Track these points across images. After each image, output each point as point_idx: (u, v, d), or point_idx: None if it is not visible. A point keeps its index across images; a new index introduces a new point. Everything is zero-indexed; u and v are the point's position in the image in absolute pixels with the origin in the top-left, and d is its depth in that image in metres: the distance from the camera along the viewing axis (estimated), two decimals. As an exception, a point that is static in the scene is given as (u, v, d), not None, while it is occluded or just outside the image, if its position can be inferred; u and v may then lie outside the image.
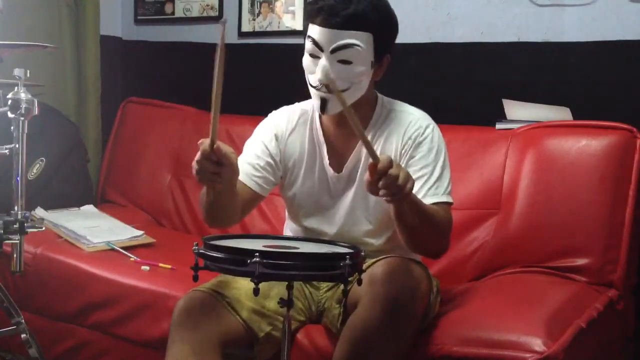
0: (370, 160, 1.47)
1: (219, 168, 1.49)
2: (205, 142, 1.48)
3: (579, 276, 2.01)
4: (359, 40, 1.69)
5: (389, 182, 1.45)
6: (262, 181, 1.82)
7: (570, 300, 1.83)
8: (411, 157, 1.76)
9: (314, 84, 1.74)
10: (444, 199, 1.72)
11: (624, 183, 2.03)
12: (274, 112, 1.93)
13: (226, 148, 1.50)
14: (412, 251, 1.74)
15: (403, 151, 1.78)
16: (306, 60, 1.75)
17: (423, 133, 1.78)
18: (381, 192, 1.47)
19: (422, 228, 1.62)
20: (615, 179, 2.03)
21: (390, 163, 1.45)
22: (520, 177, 2.15)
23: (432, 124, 1.82)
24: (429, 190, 1.71)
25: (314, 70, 1.72)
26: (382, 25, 1.74)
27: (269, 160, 1.84)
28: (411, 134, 1.78)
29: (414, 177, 1.68)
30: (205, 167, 1.48)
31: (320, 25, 1.70)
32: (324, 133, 1.86)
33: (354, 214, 1.83)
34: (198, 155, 1.49)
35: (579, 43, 2.33)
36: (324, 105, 1.73)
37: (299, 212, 1.89)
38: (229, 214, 1.74)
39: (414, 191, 1.59)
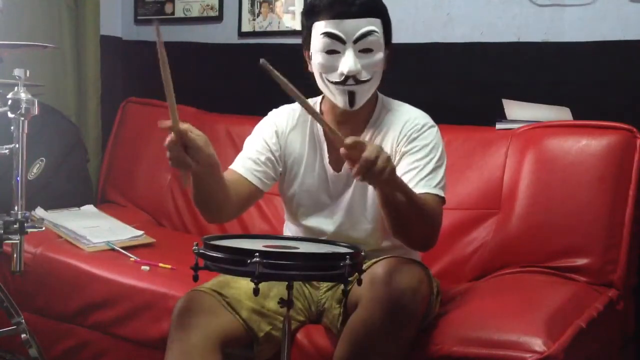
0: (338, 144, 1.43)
1: (186, 152, 1.47)
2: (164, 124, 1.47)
3: (579, 276, 2.01)
4: (376, 27, 1.71)
5: (363, 162, 1.41)
6: (263, 176, 1.82)
7: (570, 300, 1.83)
8: (405, 151, 1.75)
9: (337, 80, 1.72)
10: (435, 191, 1.70)
11: (624, 183, 2.03)
12: (274, 110, 1.93)
13: (192, 135, 1.48)
14: (397, 238, 1.69)
15: (397, 147, 1.77)
16: (321, 58, 1.73)
17: (419, 130, 1.77)
18: (356, 172, 1.43)
19: (407, 211, 1.57)
20: (615, 179, 2.03)
21: (354, 142, 1.41)
22: (520, 177, 2.15)
23: (430, 122, 1.81)
24: (420, 181, 1.68)
25: (335, 67, 1.71)
26: (386, 10, 1.77)
27: (270, 156, 1.84)
28: (407, 132, 1.78)
29: (406, 169, 1.69)
30: (174, 152, 1.47)
31: (335, 18, 1.69)
32: (324, 132, 1.86)
33: (352, 213, 1.83)
34: (165, 142, 1.47)
35: (579, 43, 2.34)
36: (352, 98, 1.73)
37: (298, 211, 1.89)
38: (220, 208, 1.70)
39: (405, 180, 1.60)
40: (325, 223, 1.85)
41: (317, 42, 1.73)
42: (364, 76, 1.72)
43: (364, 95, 1.75)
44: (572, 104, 2.27)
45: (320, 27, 1.72)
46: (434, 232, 1.68)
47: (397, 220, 1.62)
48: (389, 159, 1.45)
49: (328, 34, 1.70)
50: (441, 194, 1.71)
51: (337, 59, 1.71)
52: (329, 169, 1.84)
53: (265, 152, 1.84)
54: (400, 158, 1.75)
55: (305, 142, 1.87)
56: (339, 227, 1.84)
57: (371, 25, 1.70)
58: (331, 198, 1.85)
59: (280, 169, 1.87)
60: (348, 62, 1.69)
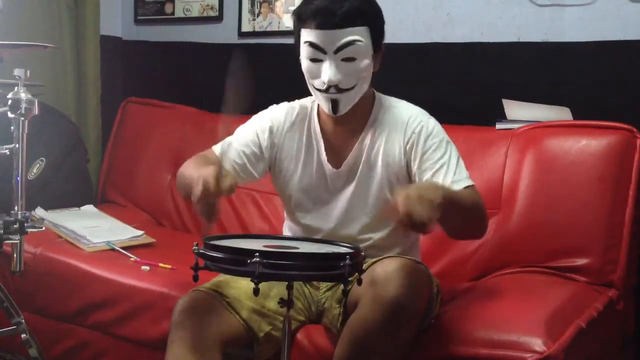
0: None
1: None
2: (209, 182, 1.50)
3: (579, 276, 2.01)
4: (359, 36, 1.70)
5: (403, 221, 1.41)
6: (240, 169, 1.84)
7: (570, 300, 1.83)
8: (424, 151, 1.77)
9: (320, 88, 1.74)
10: (469, 182, 1.74)
11: (624, 183, 2.03)
12: (274, 105, 1.95)
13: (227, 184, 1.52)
14: (458, 239, 1.79)
15: (408, 146, 1.79)
16: (307, 65, 1.75)
17: (427, 127, 1.80)
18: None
19: (465, 220, 1.64)
20: (615, 179, 2.03)
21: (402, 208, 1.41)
22: (520, 177, 2.15)
23: (432, 118, 1.84)
24: (453, 177, 1.72)
25: (319, 74, 1.73)
26: (375, 15, 1.77)
27: (256, 150, 1.86)
28: (414, 128, 1.79)
29: (433, 169, 1.73)
30: (205, 206, 1.51)
31: (317, 28, 1.70)
32: (322, 130, 1.87)
33: (352, 209, 1.84)
34: (199, 194, 1.49)
35: (579, 43, 2.33)
36: (335, 106, 1.75)
37: (296, 209, 1.90)
38: None
39: (439, 181, 1.64)
40: (323, 219, 1.86)
41: (303, 48, 1.75)
42: (346, 84, 1.73)
43: (347, 102, 1.76)
44: (572, 104, 2.27)
45: (304, 35, 1.73)
46: (485, 221, 1.75)
47: (457, 230, 1.69)
48: (421, 200, 1.42)
49: (310, 43, 1.72)
50: (472, 182, 1.75)
51: (319, 67, 1.73)
52: (328, 166, 1.85)
53: (252, 145, 1.86)
54: (421, 158, 1.77)
55: (303, 139, 1.88)
56: (338, 224, 1.85)
57: (354, 35, 1.70)
58: (330, 195, 1.86)
59: (264, 167, 1.89)
60: (328, 72, 1.71)
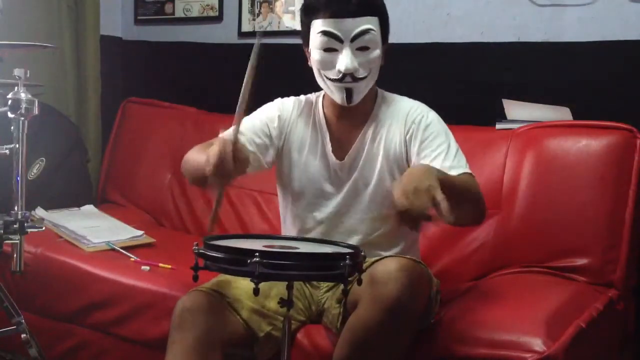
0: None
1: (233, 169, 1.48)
2: (227, 140, 1.48)
3: (579, 276, 2.01)
4: (372, 25, 1.73)
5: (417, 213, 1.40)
6: (251, 157, 1.82)
7: (570, 300, 1.83)
8: (422, 140, 1.79)
9: (335, 77, 1.75)
10: (468, 170, 1.74)
11: (624, 183, 2.03)
12: (280, 98, 1.95)
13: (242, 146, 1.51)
14: (457, 226, 1.72)
15: (408, 136, 1.81)
16: (319, 56, 1.76)
17: (427, 117, 1.82)
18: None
19: (461, 203, 1.58)
20: (615, 179, 2.03)
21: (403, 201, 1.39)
22: (520, 177, 2.15)
23: (432, 110, 1.86)
24: (451, 163, 1.73)
25: (333, 64, 1.74)
26: (383, 7, 1.80)
27: (265, 139, 1.87)
28: (414, 119, 1.82)
29: (431, 156, 1.73)
30: (224, 162, 1.47)
31: (333, 17, 1.71)
32: (327, 122, 1.88)
33: (353, 201, 1.85)
34: (217, 152, 1.47)
35: (579, 43, 2.33)
36: (349, 95, 1.77)
37: (297, 200, 1.90)
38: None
39: (438, 166, 1.63)
40: (323, 212, 1.87)
41: (315, 39, 1.75)
42: (361, 73, 1.75)
43: (361, 92, 1.78)
44: (572, 104, 2.27)
45: (318, 26, 1.74)
46: (483, 206, 1.72)
47: (457, 214, 1.62)
48: (418, 192, 1.40)
49: (325, 33, 1.73)
50: (470, 171, 1.75)
51: (334, 56, 1.74)
52: (332, 157, 1.87)
53: (261, 134, 1.87)
54: (419, 147, 1.78)
55: (308, 130, 1.90)
56: (337, 216, 1.86)
57: (368, 23, 1.73)
58: (333, 186, 1.88)
59: (272, 155, 1.88)
60: (345, 60, 1.72)
